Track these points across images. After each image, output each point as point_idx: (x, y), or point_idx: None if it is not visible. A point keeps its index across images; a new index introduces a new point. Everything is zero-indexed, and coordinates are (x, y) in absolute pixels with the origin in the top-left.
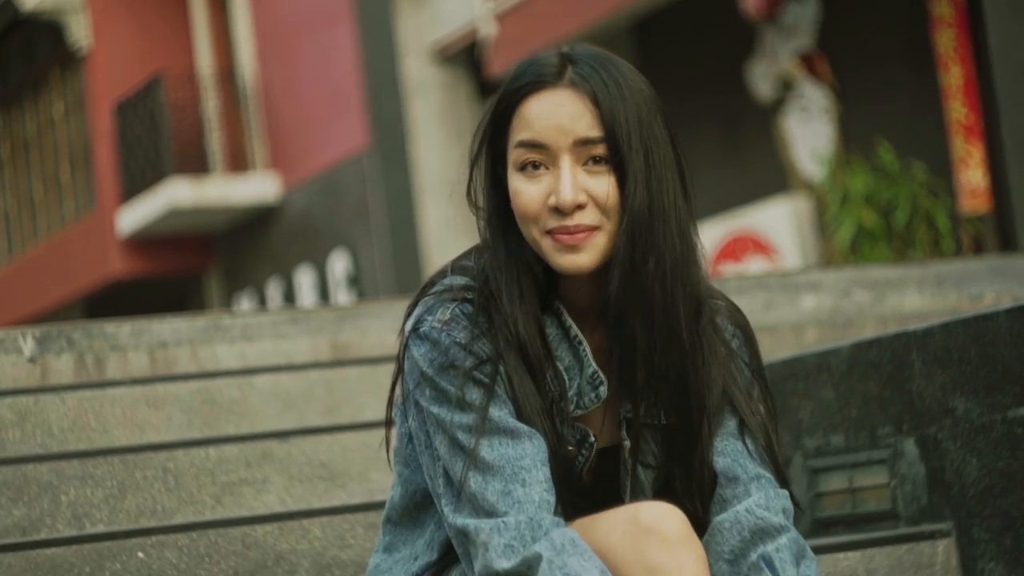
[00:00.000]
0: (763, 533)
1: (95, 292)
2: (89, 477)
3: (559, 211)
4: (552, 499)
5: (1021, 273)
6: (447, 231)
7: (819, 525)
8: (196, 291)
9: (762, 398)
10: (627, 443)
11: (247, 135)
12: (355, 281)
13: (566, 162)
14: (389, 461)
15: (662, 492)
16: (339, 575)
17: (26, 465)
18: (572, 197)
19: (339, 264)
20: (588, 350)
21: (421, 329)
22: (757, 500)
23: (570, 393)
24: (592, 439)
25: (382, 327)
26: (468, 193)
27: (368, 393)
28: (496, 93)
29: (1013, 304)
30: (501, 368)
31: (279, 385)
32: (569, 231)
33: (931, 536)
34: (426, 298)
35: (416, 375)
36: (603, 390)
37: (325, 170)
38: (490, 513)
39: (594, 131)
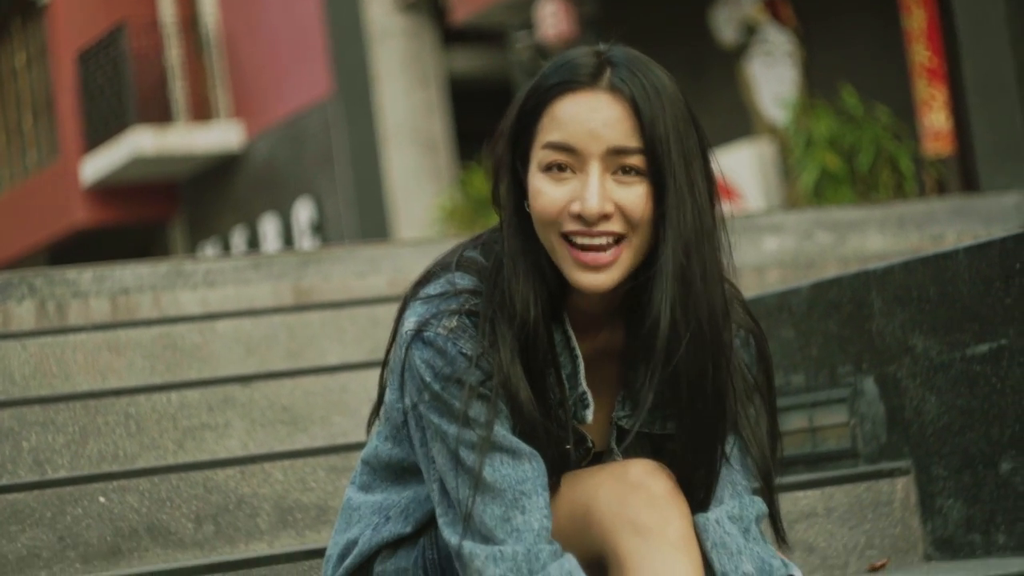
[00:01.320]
0: (724, 548)
1: (59, 242)
2: (51, 423)
3: (581, 218)
4: (549, 524)
5: (982, 213)
6: (411, 178)
7: (779, 464)
8: (161, 240)
9: (764, 407)
10: (617, 453)
11: (210, 83)
12: (320, 229)
13: (595, 169)
14: (369, 424)
15: None
16: (301, 518)
17: None
18: (599, 206)
19: (304, 212)
20: (582, 366)
21: (426, 334)
22: (729, 507)
23: (570, 401)
24: (590, 443)
25: (344, 272)
26: (494, 193)
27: (330, 338)
28: (525, 88)
29: (972, 242)
30: (506, 375)
31: (241, 330)
32: (592, 239)
33: (890, 474)
34: (431, 296)
35: (418, 382)
36: (589, 413)
37: (289, 118)
38: (487, 539)
39: (631, 140)
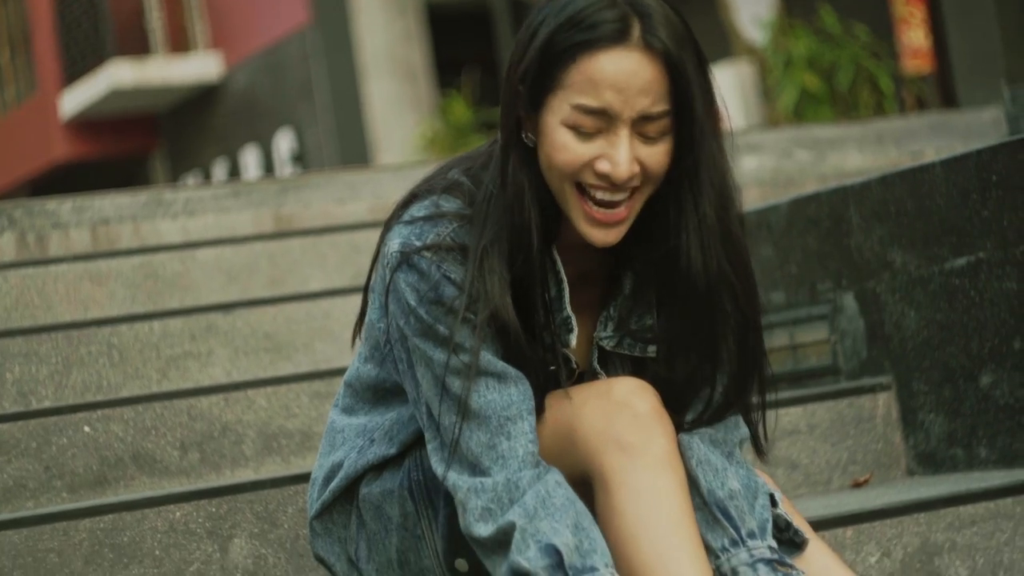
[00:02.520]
0: (709, 465)
1: (40, 176)
2: (33, 354)
3: (607, 177)
4: (536, 448)
5: (961, 129)
6: (391, 107)
7: (771, 383)
8: (142, 173)
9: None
10: (599, 371)
11: (187, 14)
12: (300, 159)
13: (624, 133)
14: (353, 340)
15: None
16: (285, 443)
17: None
18: (628, 170)
19: (284, 143)
20: (567, 291)
21: (411, 257)
22: (711, 430)
23: (555, 324)
24: (574, 364)
25: (325, 198)
26: (504, 124)
27: (312, 264)
28: (536, 26)
29: (948, 155)
30: (496, 304)
31: (222, 258)
32: (612, 195)
33: (872, 390)
34: (416, 217)
35: (403, 306)
36: (572, 337)
37: (267, 48)
38: (472, 467)
39: (662, 103)
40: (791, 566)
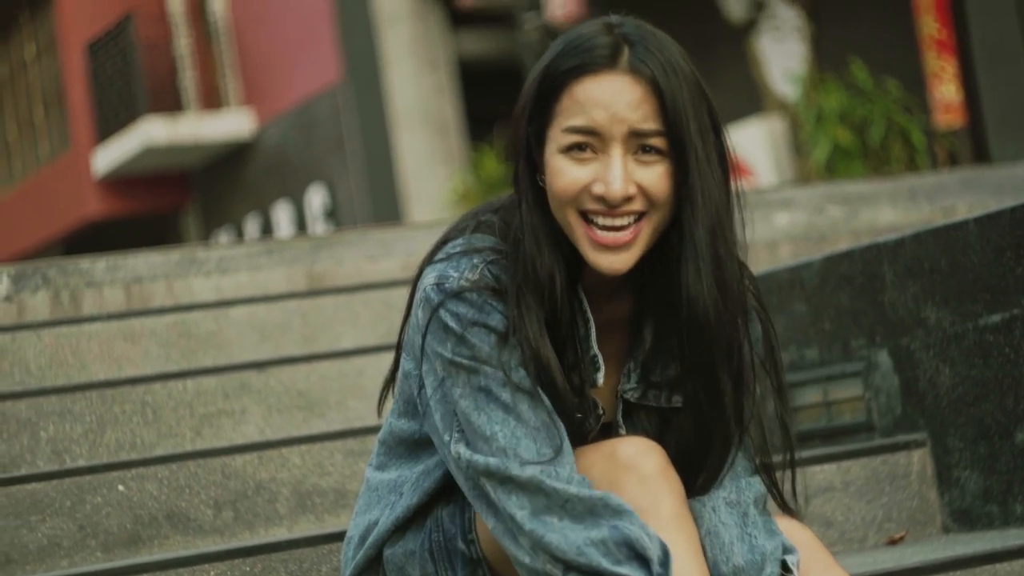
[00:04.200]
0: (717, 538)
1: (73, 233)
2: (68, 412)
3: (603, 200)
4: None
5: (993, 184)
6: (423, 161)
7: (796, 439)
8: (174, 229)
9: (771, 385)
10: (621, 425)
11: (220, 72)
12: (332, 214)
13: (617, 152)
14: (382, 399)
15: None
16: (319, 502)
17: (5, 402)
18: (622, 189)
19: (316, 198)
20: (594, 330)
21: (446, 285)
22: (726, 492)
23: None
24: (601, 411)
25: (357, 256)
26: (514, 171)
27: (344, 322)
28: (538, 68)
29: (982, 212)
30: (536, 345)
31: (255, 316)
32: (613, 219)
33: (906, 446)
34: (450, 254)
35: (441, 334)
36: (600, 376)
37: (299, 104)
38: (540, 456)
39: (652, 122)
40: None
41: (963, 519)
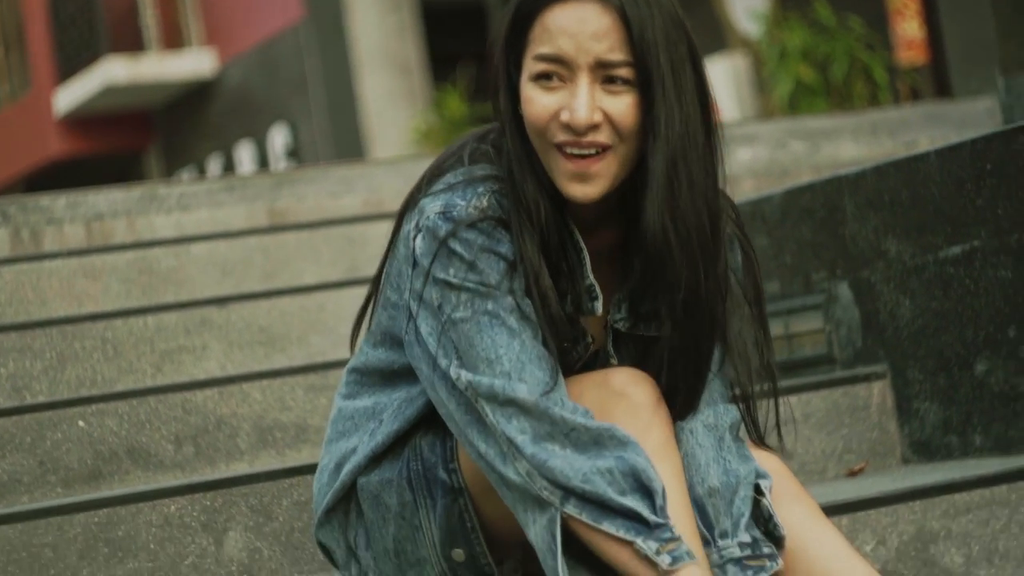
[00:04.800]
0: (693, 459)
1: (35, 173)
2: (28, 349)
3: (570, 128)
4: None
5: (955, 119)
6: (385, 101)
7: (776, 369)
8: (136, 169)
9: (752, 315)
10: (612, 354)
11: (181, 11)
12: (295, 154)
13: (583, 80)
14: (354, 333)
15: None
16: (280, 437)
17: None
18: (587, 117)
19: (279, 138)
20: (587, 259)
21: (454, 213)
22: (703, 416)
23: (578, 293)
24: (590, 340)
25: (318, 192)
26: (493, 100)
27: (306, 258)
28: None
29: (943, 145)
30: (534, 267)
31: (216, 252)
32: (581, 149)
33: (866, 378)
34: (452, 184)
35: (446, 259)
36: (598, 304)
37: (261, 44)
38: (512, 376)
39: (618, 53)
40: (765, 557)
41: (922, 450)
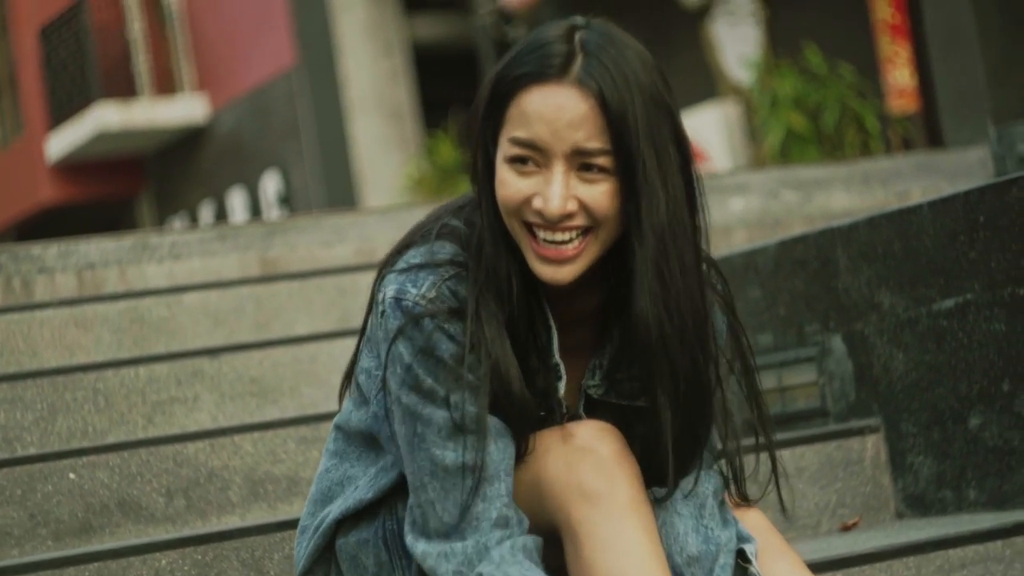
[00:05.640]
0: (672, 528)
1: (26, 219)
2: (19, 400)
3: (543, 216)
4: (511, 513)
5: (947, 169)
6: (377, 147)
7: (749, 425)
8: (128, 215)
9: (744, 389)
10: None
11: (173, 56)
12: (287, 201)
13: (558, 169)
14: (341, 395)
15: None
16: (272, 489)
17: None
18: (560, 208)
19: (271, 184)
20: (555, 338)
21: (403, 303)
22: (684, 483)
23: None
24: (564, 410)
25: (311, 242)
26: (472, 171)
27: (298, 308)
28: (495, 69)
29: (935, 196)
30: (495, 349)
31: (208, 302)
32: (554, 235)
33: (860, 432)
34: (412, 266)
35: (398, 360)
36: (562, 385)
37: (254, 89)
38: (443, 534)
39: (595, 141)
40: None
41: (917, 504)
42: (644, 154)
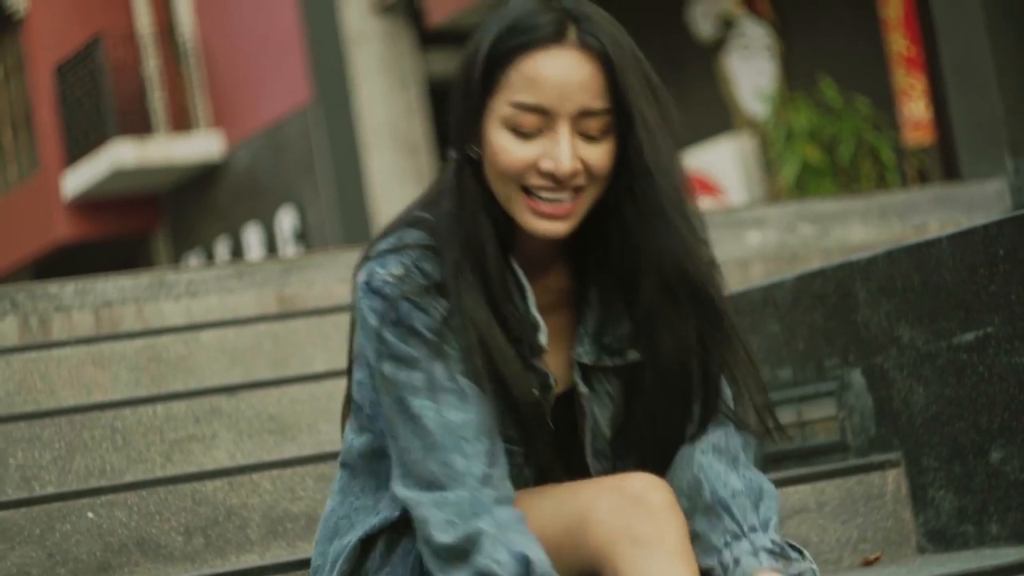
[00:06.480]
0: (711, 470)
1: (43, 257)
2: (37, 439)
3: (550, 175)
4: (496, 472)
5: (965, 202)
6: (393, 182)
7: (769, 459)
8: (144, 252)
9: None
10: (583, 389)
11: (189, 93)
12: (303, 236)
13: (565, 129)
14: (344, 415)
15: (622, 430)
16: (291, 528)
17: None
18: (571, 167)
19: (287, 220)
20: (531, 296)
21: (372, 283)
22: (714, 438)
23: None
24: (552, 382)
25: (327, 278)
26: (453, 140)
27: (316, 345)
28: (480, 39)
29: (955, 230)
30: (456, 321)
31: (225, 340)
32: (556, 194)
33: (881, 466)
34: (380, 251)
35: (367, 331)
36: (542, 336)
37: (269, 125)
38: (430, 484)
39: (601, 100)
40: (799, 551)
41: (938, 539)
42: (643, 109)
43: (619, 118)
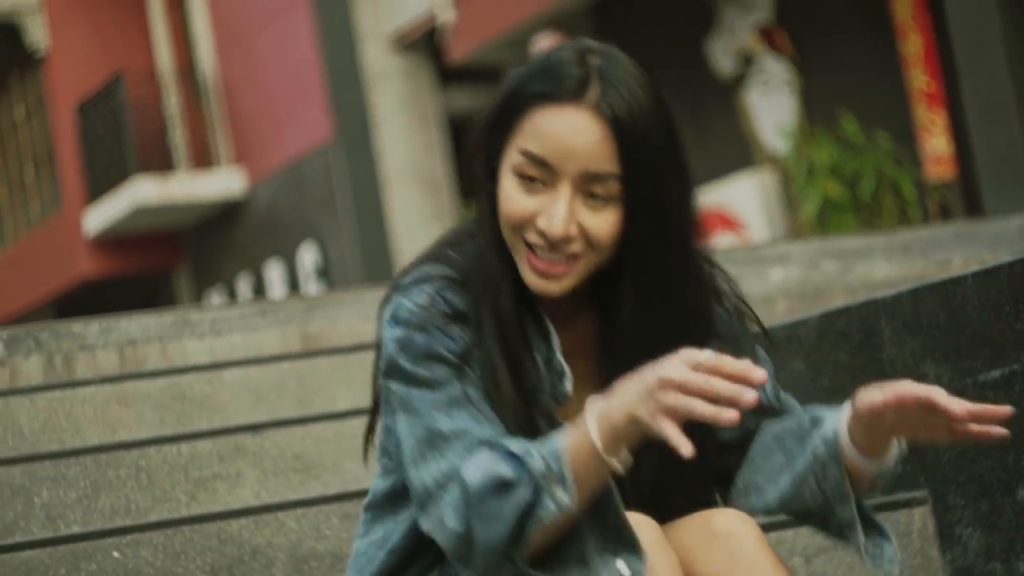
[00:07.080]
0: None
1: (65, 294)
2: (62, 478)
3: (543, 235)
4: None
5: (988, 238)
6: (414, 219)
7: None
8: (166, 289)
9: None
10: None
11: (210, 131)
12: (325, 273)
13: (565, 191)
14: (365, 450)
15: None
16: (316, 566)
17: None
18: (563, 231)
19: (308, 257)
20: (556, 342)
21: (397, 314)
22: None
23: (547, 379)
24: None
25: (351, 316)
26: (476, 175)
27: (339, 383)
28: (506, 84)
29: (980, 267)
30: (477, 355)
31: (249, 378)
32: (550, 254)
33: (907, 504)
34: (404, 285)
35: (390, 359)
36: (567, 382)
37: (290, 163)
38: (440, 486)
39: (607, 166)
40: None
41: None
42: (649, 186)
43: (629, 186)
